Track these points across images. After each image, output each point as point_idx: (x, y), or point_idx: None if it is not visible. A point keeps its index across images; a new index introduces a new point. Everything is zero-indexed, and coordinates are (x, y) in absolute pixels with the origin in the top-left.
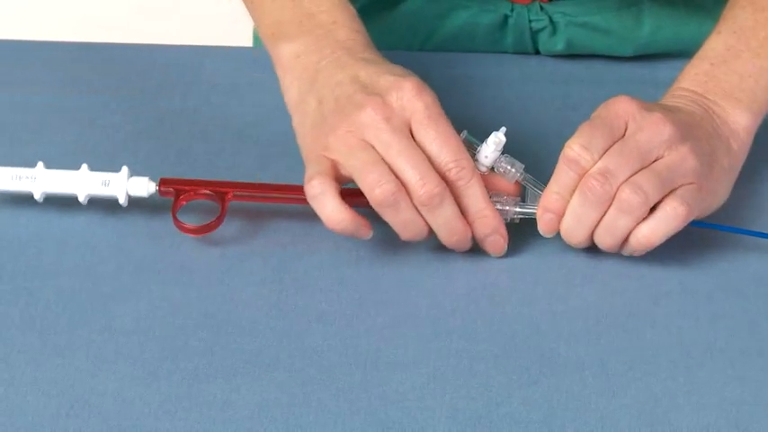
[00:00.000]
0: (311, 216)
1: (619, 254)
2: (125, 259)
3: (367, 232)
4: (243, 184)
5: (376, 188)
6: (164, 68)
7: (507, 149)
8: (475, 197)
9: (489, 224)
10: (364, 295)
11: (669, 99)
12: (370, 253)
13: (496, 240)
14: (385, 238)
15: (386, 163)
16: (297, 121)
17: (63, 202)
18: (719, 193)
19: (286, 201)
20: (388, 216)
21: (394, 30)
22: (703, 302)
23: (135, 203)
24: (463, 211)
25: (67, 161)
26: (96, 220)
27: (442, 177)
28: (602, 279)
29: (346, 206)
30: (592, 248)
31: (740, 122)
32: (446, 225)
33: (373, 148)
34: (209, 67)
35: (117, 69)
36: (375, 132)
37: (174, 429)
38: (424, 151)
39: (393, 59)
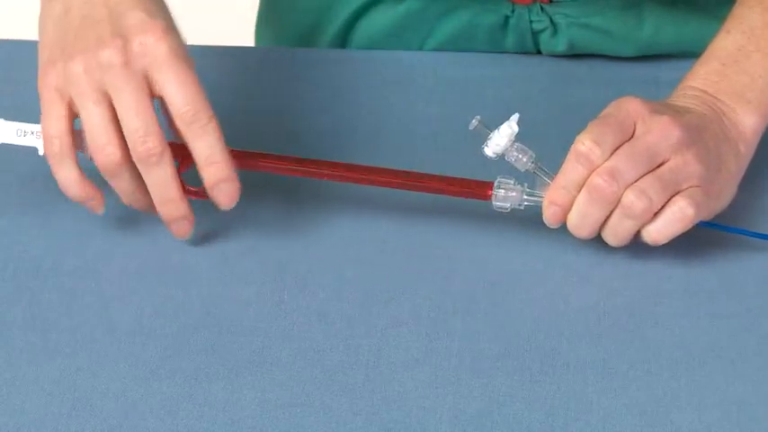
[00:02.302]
0: (313, 216)
1: (620, 253)
2: (126, 259)
3: (99, 209)
4: (242, 153)
5: (101, 153)
6: None
7: None
8: (208, 143)
9: (220, 170)
10: (366, 295)
11: (680, 98)
12: (372, 253)
13: (228, 189)
14: (386, 238)
15: (116, 117)
16: (41, 21)
17: (65, 203)
18: (724, 196)
19: (287, 172)
20: (109, 181)
21: (394, 30)
22: (705, 302)
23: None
24: (196, 158)
25: None
26: (98, 221)
27: (176, 120)
28: (603, 279)
29: (82, 175)
30: (593, 248)
31: (749, 124)
32: (159, 187)
33: (107, 94)
34: (211, 66)
35: None
36: (110, 76)
37: (176, 429)
38: (162, 94)
39: (393, 59)
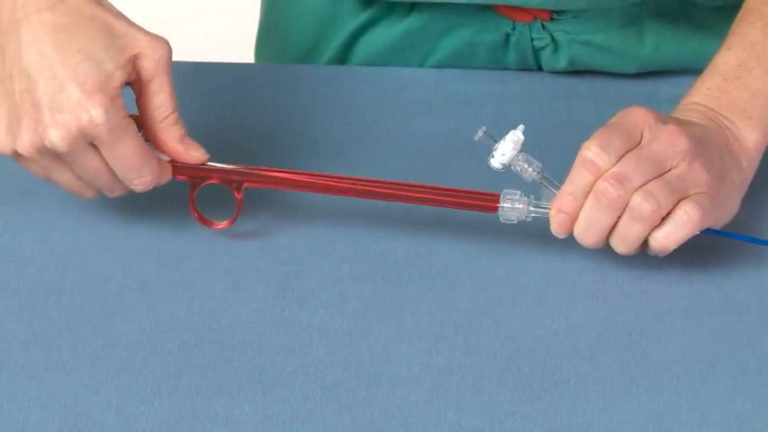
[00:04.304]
0: (314, 232)
1: (621, 271)
2: (129, 275)
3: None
4: (258, 174)
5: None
6: None
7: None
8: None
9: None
10: (367, 311)
11: (682, 113)
12: (373, 269)
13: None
14: (387, 254)
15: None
16: None
17: (66, 219)
18: (729, 206)
19: (303, 188)
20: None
21: (394, 48)
22: (706, 319)
23: (139, 216)
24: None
25: None
26: (100, 236)
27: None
28: (604, 295)
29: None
30: (594, 265)
31: (751, 139)
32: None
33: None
34: (211, 83)
35: None
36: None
37: None
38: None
39: (394, 75)
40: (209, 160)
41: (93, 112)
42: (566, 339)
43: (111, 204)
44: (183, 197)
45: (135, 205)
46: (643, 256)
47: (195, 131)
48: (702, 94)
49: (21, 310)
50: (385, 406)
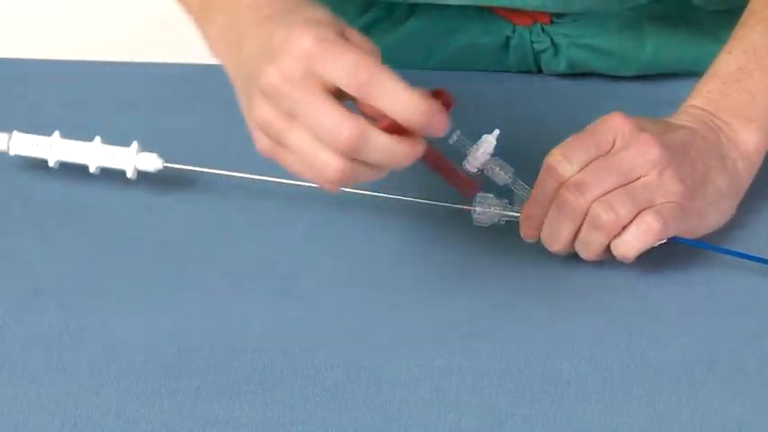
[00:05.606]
0: (314, 235)
1: (620, 273)
2: (128, 277)
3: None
4: None
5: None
6: (166, 87)
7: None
8: (387, 95)
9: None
10: (367, 313)
11: (679, 116)
12: (373, 271)
13: (440, 120)
14: (388, 257)
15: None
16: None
17: (67, 220)
18: (711, 214)
19: None
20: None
21: (394, 50)
22: (704, 321)
23: (139, 219)
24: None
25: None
26: (99, 239)
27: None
28: (604, 298)
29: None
30: (594, 268)
31: (751, 142)
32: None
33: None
34: (214, 85)
35: (119, 87)
36: (279, 98)
37: None
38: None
39: None
40: None
41: (305, 36)
42: (565, 340)
43: (111, 206)
44: (182, 199)
45: (135, 207)
46: (643, 257)
47: (197, 134)
48: (703, 97)
49: (21, 313)
50: (385, 408)
